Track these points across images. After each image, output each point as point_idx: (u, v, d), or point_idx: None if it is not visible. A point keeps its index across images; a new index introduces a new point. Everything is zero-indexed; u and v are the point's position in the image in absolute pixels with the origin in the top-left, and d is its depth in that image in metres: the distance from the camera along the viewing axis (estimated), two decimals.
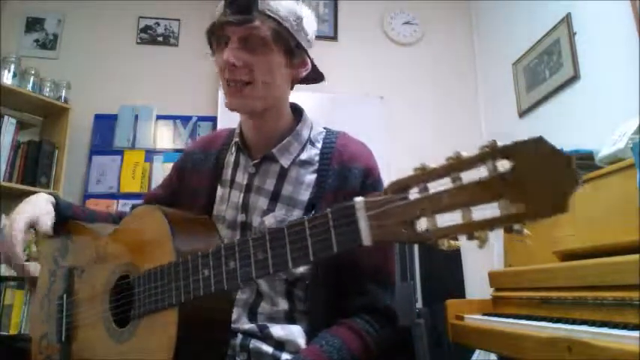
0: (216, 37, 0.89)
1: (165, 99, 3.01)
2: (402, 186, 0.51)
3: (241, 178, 0.95)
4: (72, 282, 0.92)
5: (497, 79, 2.92)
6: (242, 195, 0.93)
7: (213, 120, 2.94)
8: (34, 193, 1.00)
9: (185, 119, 3.01)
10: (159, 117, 3.00)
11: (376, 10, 3.18)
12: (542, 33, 2.44)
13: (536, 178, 0.43)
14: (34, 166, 2.53)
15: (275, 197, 0.91)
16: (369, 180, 0.91)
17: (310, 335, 0.84)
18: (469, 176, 0.47)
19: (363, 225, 0.54)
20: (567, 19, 2.25)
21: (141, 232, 0.83)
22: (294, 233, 0.61)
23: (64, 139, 2.65)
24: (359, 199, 0.55)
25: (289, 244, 0.61)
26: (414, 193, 0.51)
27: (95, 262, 0.89)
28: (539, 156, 0.43)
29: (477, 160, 0.46)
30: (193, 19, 3.15)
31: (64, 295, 0.91)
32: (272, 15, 0.86)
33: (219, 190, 0.96)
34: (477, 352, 2.03)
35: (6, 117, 2.49)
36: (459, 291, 2.47)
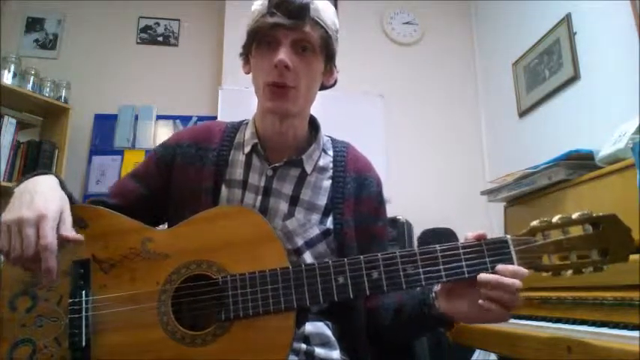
0: (261, 37, 0.88)
1: (165, 99, 3.01)
2: (533, 231, 0.77)
3: (256, 181, 0.93)
4: (89, 277, 0.80)
5: (497, 79, 2.91)
6: (260, 198, 0.92)
7: (213, 120, 2.94)
8: None
9: (185, 119, 3.01)
10: (159, 117, 3.00)
11: (376, 10, 3.18)
12: (542, 33, 2.43)
13: (613, 238, 0.73)
14: (34, 166, 2.52)
15: (294, 201, 0.92)
16: (379, 188, 1.01)
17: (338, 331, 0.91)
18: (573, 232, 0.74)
19: (515, 256, 0.76)
20: (567, 19, 2.25)
21: (230, 232, 0.80)
22: (448, 255, 0.76)
23: (64, 139, 2.65)
24: (509, 237, 0.76)
25: (443, 264, 0.75)
26: (540, 237, 0.76)
27: (138, 258, 0.81)
28: (614, 224, 0.73)
29: (579, 222, 0.74)
30: (193, 19, 3.14)
31: (83, 293, 0.79)
32: (320, 22, 0.89)
33: (224, 191, 0.93)
34: (477, 352, 2.03)
35: (6, 117, 2.49)
36: None
